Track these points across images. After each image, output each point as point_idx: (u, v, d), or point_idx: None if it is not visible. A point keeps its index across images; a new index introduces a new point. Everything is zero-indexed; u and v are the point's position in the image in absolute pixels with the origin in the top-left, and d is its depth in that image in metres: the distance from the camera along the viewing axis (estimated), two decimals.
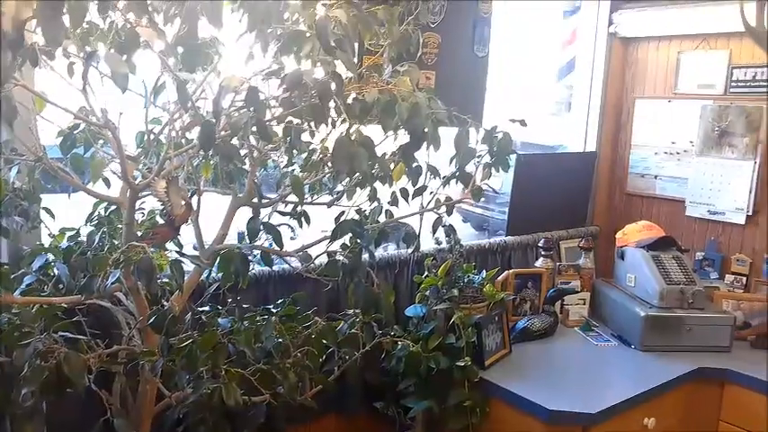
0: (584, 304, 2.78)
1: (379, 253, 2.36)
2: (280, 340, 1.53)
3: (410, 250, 1.83)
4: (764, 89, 2.75)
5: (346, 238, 1.69)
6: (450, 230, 1.89)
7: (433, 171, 1.73)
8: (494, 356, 2.31)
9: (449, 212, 1.85)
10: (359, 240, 1.65)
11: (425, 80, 2.54)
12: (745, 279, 2.83)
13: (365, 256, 1.66)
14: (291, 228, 1.79)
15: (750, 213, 2.82)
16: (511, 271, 2.67)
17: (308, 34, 1.46)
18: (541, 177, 3.01)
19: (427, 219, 1.89)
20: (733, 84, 2.86)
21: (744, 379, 2.32)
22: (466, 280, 2.37)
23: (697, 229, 2.98)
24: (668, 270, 2.58)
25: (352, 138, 1.46)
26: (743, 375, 2.33)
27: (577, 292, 2.74)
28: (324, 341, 1.63)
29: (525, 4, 3.63)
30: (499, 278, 2.57)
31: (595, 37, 3.17)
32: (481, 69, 2.77)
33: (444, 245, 2.29)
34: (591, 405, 2.02)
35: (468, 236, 5.27)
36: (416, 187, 1.75)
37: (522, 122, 1.91)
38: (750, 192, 2.81)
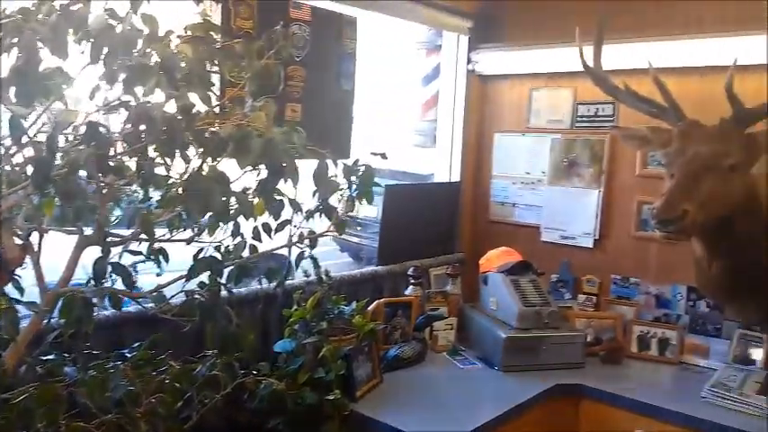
0: (452, 329, 2.85)
1: (252, 287, 2.31)
2: (131, 388, 1.44)
3: (273, 285, 1.80)
4: (606, 124, 3.02)
5: (205, 276, 1.64)
6: (315, 264, 1.89)
7: (295, 206, 1.73)
8: (365, 387, 2.31)
9: (312, 246, 1.85)
10: (217, 278, 1.60)
11: (291, 113, 2.55)
12: (595, 298, 3.05)
13: (224, 293, 1.61)
14: (158, 263, 1.70)
15: (597, 237, 3.06)
16: (381, 300, 2.70)
17: (158, 67, 1.42)
18: (409, 207, 3.10)
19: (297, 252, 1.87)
20: (578, 119, 3.11)
21: (596, 393, 2.47)
22: (336, 312, 2.37)
23: (551, 253, 3.17)
24: (526, 293, 2.72)
25: (206, 173, 1.42)
26: (595, 390, 2.47)
27: (445, 317, 2.82)
28: (178, 385, 1.56)
29: (388, 41, 3.77)
30: (369, 308, 2.59)
31: (455, 74, 3.34)
32: (347, 102, 2.82)
33: (313, 277, 2.28)
34: (457, 428, 2.07)
35: (345, 265, 5.30)
36: (279, 222, 1.73)
37: (383, 156, 1.96)
38: (596, 217, 3.05)
